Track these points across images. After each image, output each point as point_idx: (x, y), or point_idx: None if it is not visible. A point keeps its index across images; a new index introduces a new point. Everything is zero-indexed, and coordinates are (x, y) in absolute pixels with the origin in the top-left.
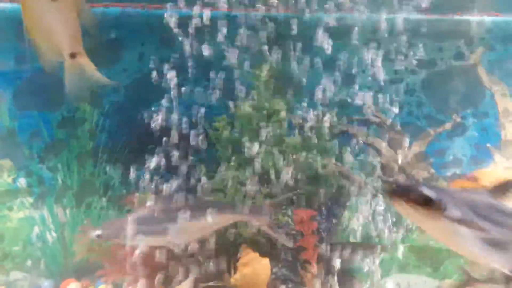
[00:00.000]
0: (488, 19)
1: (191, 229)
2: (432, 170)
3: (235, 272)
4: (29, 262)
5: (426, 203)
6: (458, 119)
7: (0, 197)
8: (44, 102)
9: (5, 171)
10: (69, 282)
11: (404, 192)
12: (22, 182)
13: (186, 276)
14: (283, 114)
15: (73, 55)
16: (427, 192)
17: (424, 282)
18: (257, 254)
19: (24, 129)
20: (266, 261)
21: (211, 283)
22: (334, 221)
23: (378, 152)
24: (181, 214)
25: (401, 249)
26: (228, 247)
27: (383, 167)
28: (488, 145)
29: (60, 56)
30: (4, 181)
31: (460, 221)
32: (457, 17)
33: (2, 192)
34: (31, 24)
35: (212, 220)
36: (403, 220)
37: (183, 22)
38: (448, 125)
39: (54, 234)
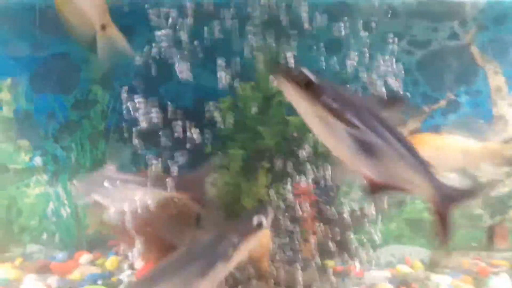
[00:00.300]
0: (481, 0)
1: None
2: None
3: None
4: (44, 236)
5: (306, 85)
6: (452, 97)
7: (18, 174)
8: (58, 86)
9: (23, 150)
10: (81, 254)
11: (288, 73)
12: (38, 160)
13: None
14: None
15: (103, 27)
16: (309, 74)
17: (418, 253)
18: None
19: (40, 111)
20: (267, 231)
21: None
22: (331, 194)
23: None
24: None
25: (395, 221)
26: (232, 219)
27: None
28: (481, 121)
29: (92, 28)
30: (22, 160)
31: (332, 111)
32: None
33: (20, 170)
34: (63, 2)
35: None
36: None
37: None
38: (442, 103)
39: (68, 209)
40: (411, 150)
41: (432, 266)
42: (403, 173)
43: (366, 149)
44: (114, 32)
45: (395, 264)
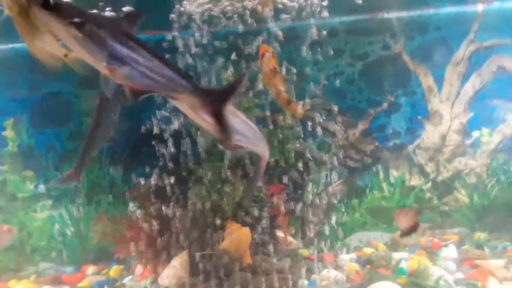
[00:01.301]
0: (404, 14)
1: None
2: (377, 143)
3: (223, 241)
4: (53, 254)
5: (45, 6)
6: (392, 99)
7: (26, 201)
8: (54, 121)
9: (28, 180)
10: (87, 267)
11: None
12: (42, 188)
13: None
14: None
15: (65, 55)
16: None
17: (381, 237)
18: (239, 225)
19: (40, 144)
20: (246, 229)
21: (205, 252)
22: (299, 192)
23: (332, 133)
24: None
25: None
26: (215, 222)
27: (337, 145)
28: (419, 117)
29: (60, 59)
30: (28, 188)
31: (70, 24)
32: (380, 16)
33: (27, 197)
34: (32, 48)
35: None
36: (358, 187)
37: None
38: (385, 105)
39: (72, 229)
40: (165, 62)
41: (393, 246)
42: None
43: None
44: (74, 55)
45: (362, 248)
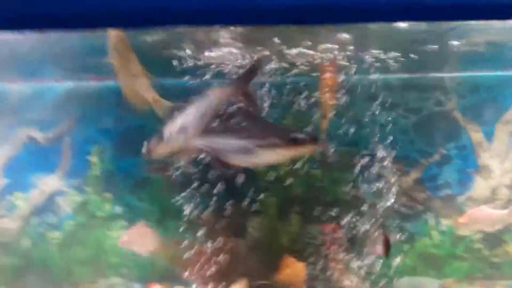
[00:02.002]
0: (458, 75)
1: None
2: (428, 192)
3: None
4: (124, 270)
5: None
6: (444, 151)
7: (104, 220)
8: (134, 151)
9: (107, 201)
10: (153, 285)
11: None
12: (118, 209)
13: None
14: None
15: (154, 99)
16: None
17: (431, 282)
18: (295, 260)
19: (121, 171)
20: (302, 264)
21: (262, 282)
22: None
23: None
24: None
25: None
26: (273, 255)
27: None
28: (469, 170)
29: (147, 103)
30: (106, 209)
31: None
32: (434, 74)
33: (104, 217)
34: (127, 91)
35: None
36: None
37: None
38: (436, 156)
39: None
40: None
41: None
42: None
43: None
44: (161, 100)
45: None
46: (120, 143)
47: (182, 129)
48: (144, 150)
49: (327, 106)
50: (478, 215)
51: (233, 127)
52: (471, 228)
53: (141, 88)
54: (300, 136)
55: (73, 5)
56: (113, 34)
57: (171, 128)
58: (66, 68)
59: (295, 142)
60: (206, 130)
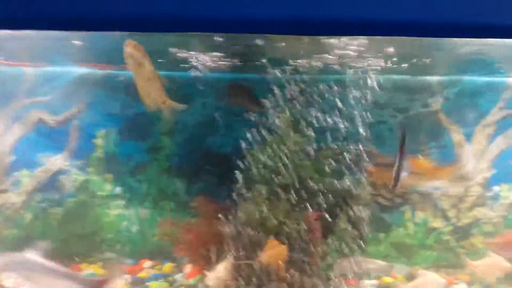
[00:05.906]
0: (443, 78)
1: None
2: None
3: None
4: (118, 246)
5: None
6: (425, 149)
7: (103, 199)
8: (137, 135)
9: (108, 182)
10: (144, 261)
11: None
12: (118, 190)
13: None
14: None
15: (164, 102)
16: None
17: (402, 269)
18: (278, 242)
19: (123, 153)
20: (284, 247)
21: (245, 261)
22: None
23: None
24: None
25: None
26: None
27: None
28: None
29: (158, 103)
30: (106, 189)
31: None
32: (422, 77)
33: (104, 196)
34: (141, 92)
35: None
36: (385, 222)
37: None
38: (418, 155)
39: (137, 227)
40: None
41: (410, 279)
42: None
43: None
44: (171, 103)
45: (382, 277)
46: (125, 128)
47: None
48: None
49: None
50: None
51: None
52: None
53: (154, 91)
54: None
55: (92, 8)
56: (127, 43)
57: None
58: (78, 59)
59: None
60: None
